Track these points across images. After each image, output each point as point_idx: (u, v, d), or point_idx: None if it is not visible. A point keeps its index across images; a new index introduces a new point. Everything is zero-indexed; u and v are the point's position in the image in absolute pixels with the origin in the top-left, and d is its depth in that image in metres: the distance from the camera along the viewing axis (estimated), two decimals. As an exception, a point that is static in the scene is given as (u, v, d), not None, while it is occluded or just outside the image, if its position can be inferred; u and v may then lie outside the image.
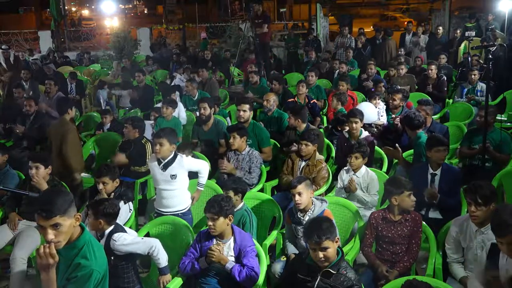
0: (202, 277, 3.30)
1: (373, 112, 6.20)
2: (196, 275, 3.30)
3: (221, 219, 3.22)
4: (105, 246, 3.20)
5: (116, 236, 3.21)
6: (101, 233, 3.26)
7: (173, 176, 4.06)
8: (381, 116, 6.40)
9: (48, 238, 2.19)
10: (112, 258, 3.18)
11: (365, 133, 5.32)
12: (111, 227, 3.28)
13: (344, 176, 4.46)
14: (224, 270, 3.19)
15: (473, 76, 7.48)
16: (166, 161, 4.05)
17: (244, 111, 5.43)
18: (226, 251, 3.25)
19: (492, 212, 2.89)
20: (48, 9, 19.06)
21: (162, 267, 3.33)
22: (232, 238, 3.28)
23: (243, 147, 4.88)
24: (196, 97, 7.66)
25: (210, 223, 3.23)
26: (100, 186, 3.94)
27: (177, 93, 7.81)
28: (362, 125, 5.28)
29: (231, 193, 3.77)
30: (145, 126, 5.68)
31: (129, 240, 3.27)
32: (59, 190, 2.43)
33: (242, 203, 3.88)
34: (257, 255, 3.32)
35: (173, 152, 4.10)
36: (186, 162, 4.13)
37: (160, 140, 3.98)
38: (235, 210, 3.74)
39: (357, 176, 4.38)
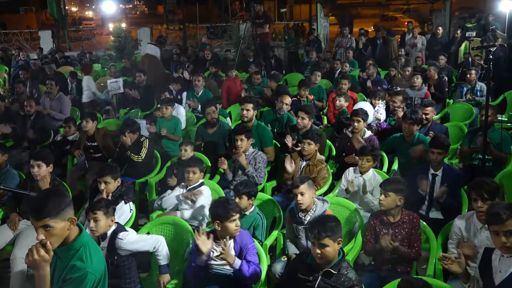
0: (203, 281, 3.27)
1: (370, 112, 6.08)
2: (197, 277, 3.27)
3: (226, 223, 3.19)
4: (110, 246, 3.19)
5: (122, 234, 3.20)
6: (103, 235, 3.24)
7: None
8: (380, 114, 6.40)
9: (38, 238, 2.17)
10: (115, 258, 3.18)
11: (368, 133, 5.30)
12: (114, 227, 3.27)
13: (350, 176, 4.44)
14: (226, 272, 3.17)
15: (468, 76, 7.43)
16: (192, 187, 4.29)
17: (248, 110, 5.40)
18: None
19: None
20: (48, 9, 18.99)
21: (163, 265, 3.33)
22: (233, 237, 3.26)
23: (248, 149, 4.87)
24: (200, 94, 7.66)
25: (217, 227, 3.18)
26: (102, 186, 3.89)
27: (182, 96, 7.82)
28: (366, 125, 5.27)
29: (245, 198, 3.74)
30: (140, 125, 5.65)
31: (135, 237, 3.27)
32: (55, 192, 2.37)
33: (253, 205, 3.86)
34: (257, 253, 3.31)
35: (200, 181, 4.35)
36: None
37: (193, 169, 4.28)
38: (247, 213, 3.75)
39: (364, 179, 4.37)
